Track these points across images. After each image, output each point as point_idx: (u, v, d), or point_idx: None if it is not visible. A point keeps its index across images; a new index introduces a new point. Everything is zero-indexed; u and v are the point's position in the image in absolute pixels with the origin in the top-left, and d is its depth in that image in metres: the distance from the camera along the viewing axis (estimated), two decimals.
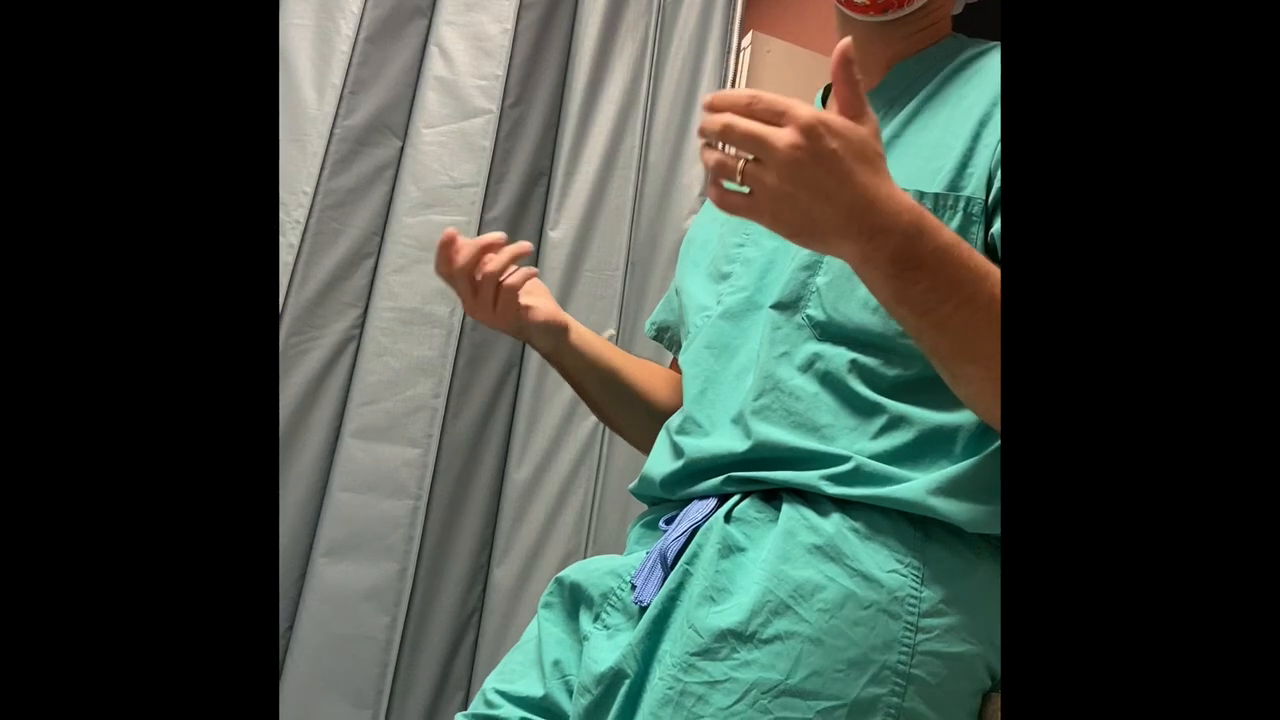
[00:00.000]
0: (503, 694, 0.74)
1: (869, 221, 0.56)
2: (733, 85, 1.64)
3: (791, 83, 1.65)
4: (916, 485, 0.64)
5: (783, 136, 0.54)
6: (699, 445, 0.74)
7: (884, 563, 0.63)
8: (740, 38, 1.67)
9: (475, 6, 1.52)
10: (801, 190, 0.55)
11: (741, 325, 0.77)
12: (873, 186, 0.56)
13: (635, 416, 0.94)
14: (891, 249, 0.57)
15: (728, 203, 0.57)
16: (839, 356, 0.69)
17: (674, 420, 0.80)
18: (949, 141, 0.71)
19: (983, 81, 0.74)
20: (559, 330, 0.87)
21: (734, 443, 0.71)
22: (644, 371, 0.95)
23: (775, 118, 0.55)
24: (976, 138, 0.70)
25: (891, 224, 0.56)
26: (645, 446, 0.94)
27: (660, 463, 0.78)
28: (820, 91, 0.89)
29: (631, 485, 0.83)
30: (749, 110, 0.55)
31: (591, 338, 0.91)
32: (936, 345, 0.61)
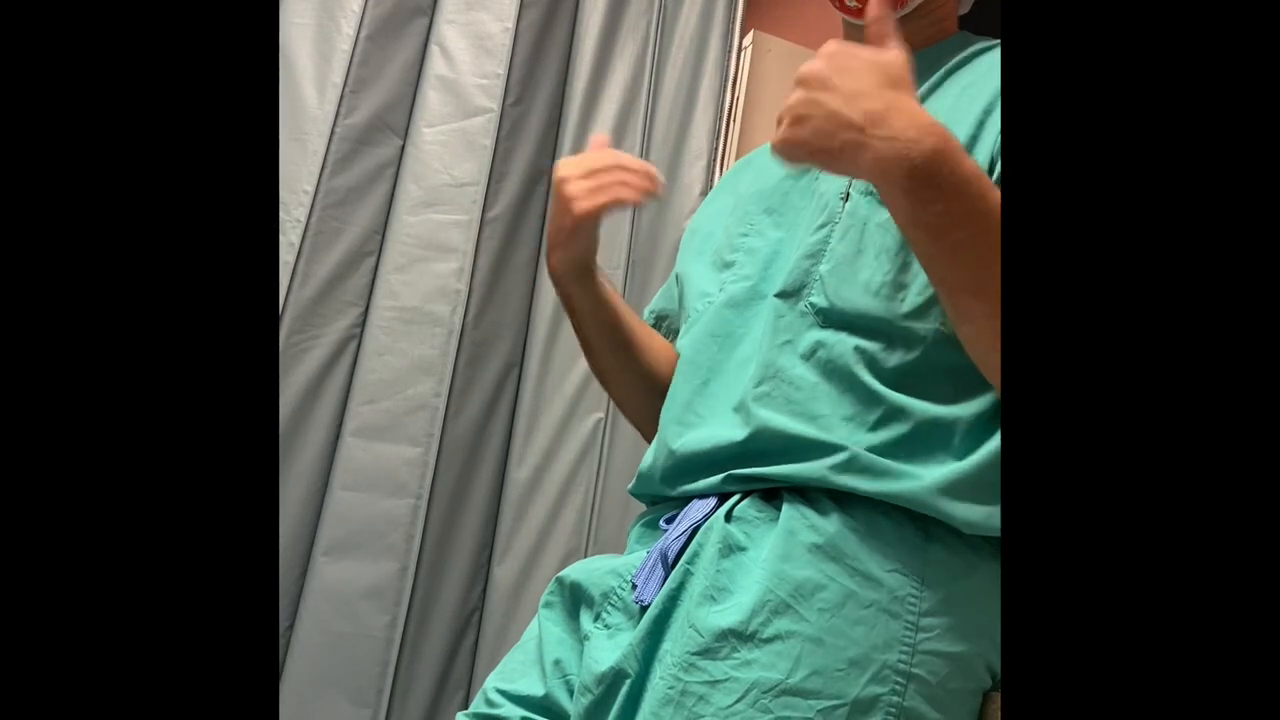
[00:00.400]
0: (503, 693, 0.74)
1: (888, 128, 0.57)
2: (734, 85, 1.64)
3: (792, 82, 1.65)
4: (921, 484, 0.64)
5: (811, 62, 0.61)
6: (699, 436, 0.74)
7: (884, 562, 0.63)
8: (741, 37, 1.67)
9: (476, 5, 1.52)
10: (822, 95, 0.59)
11: (745, 314, 0.77)
12: (896, 99, 0.58)
13: (629, 373, 0.92)
14: (910, 164, 0.58)
15: (773, 141, 0.62)
16: (842, 343, 0.69)
17: (674, 412, 0.80)
18: (953, 129, 0.71)
19: (988, 73, 0.74)
20: (590, 256, 0.87)
21: (733, 430, 0.71)
22: (646, 331, 0.94)
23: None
24: (980, 125, 0.70)
25: (911, 135, 0.58)
26: (631, 406, 0.93)
27: (660, 455, 0.78)
28: None
29: (629, 486, 0.83)
30: None
31: (607, 282, 0.90)
32: (945, 275, 0.62)
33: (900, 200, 0.60)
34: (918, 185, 0.58)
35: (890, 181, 0.59)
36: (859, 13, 0.79)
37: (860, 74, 0.59)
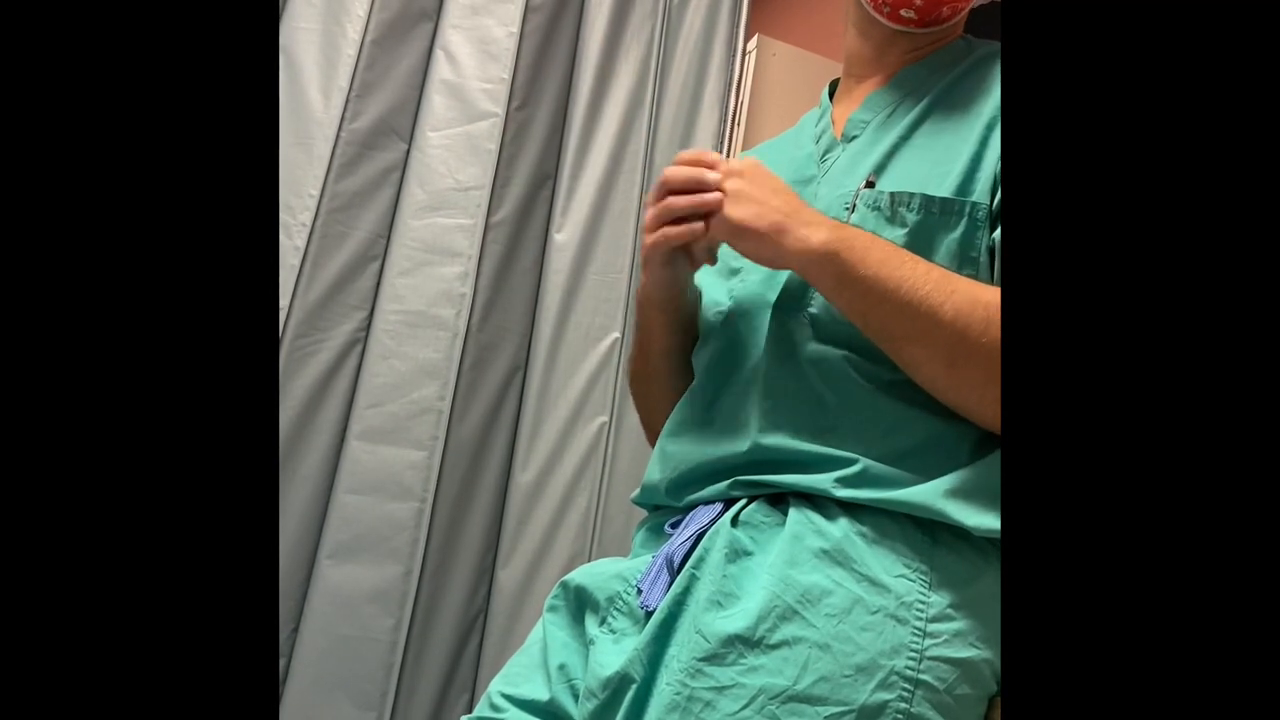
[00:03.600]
0: (508, 697, 0.74)
1: (806, 215, 0.67)
2: (738, 89, 1.65)
3: (796, 86, 1.65)
4: (927, 489, 0.64)
5: (736, 161, 0.70)
6: (704, 449, 0.74)
7: (891, 567, 0.63)
8: (745, 41, 1.67)
9: (481, 10, 1.52)
10: (752, 186, 0.68)
11: (751, 324, 0.77)
12: (801, 202, 0.69)
13: (683, 387, 0.86)
14: (826, 239, 0.66)
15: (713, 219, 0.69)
16: (844, 357, 0.69)
17: (681, 424, 0.80)
18: (957, 146, 0.72)
19: (993, 84, 0.74)
20: (673, 288, 0.82)
21: (738, 445, 0.71)
22: None
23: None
24: (984, 142, 0.70)
25: (821, 220, 0.67)
26: (664, 415, 0.89)
27: (665, 467, 0.78)
28: (826, 87, 0.90)
29: (633, 495, 0.83)
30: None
31: (689, 310, 0.87)
32: (884, 329, 0.66)
33: (825, 271, 0.65)
34: (840, 255, 0.65)
35: (813, 258, 0.65)
36: (908, 21, 0.80)
37: (774, 179, 0.70)
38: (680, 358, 0.88)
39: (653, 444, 0.93)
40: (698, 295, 0.85)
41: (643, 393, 0.93)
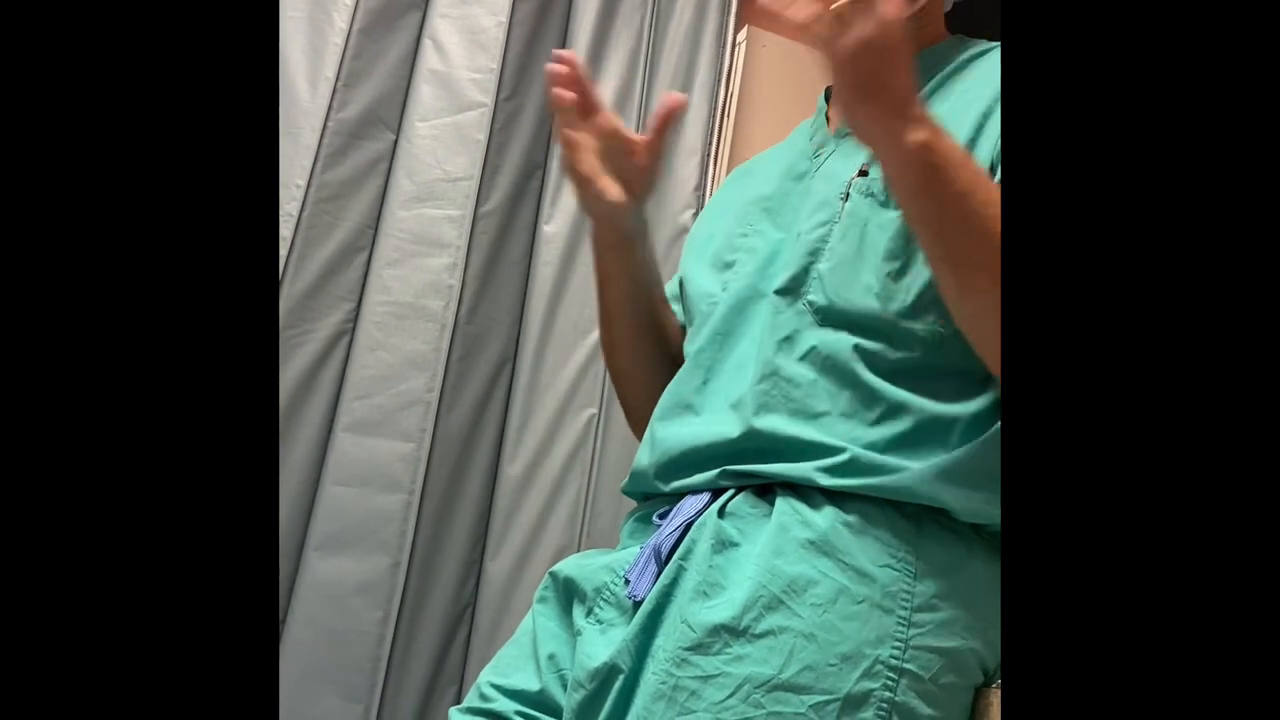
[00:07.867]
0: (498, 687, 0.74)
1: (915, 107, 0.61)
2: (728, 80, 1.64)
3: (787, 78, 1.65)
4: (912, 473, 0.64)
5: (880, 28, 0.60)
6: (695, 432, 0.74)
7: (877, 557, 0.64)
8: (735, 32, 1.67)
9: None
10: (881, 61, 0.60)
11: (745, 314, 0.77)
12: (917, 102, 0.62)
13: (643, 351, 0.91)
14: (924, 136, 0.60)
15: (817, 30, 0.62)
16: (840, 342, 0.69)
17: (671, 408, 0.80)
18: (952, 132, 0.71)
19: (986, 76, 0.74)
20: (643, 225, 0.85)
21: (729, 429, 0.71)
22: (670, 316, 0.93)
23: None
24: (979, 130, 0.70)
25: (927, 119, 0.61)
26: (633, 383, 0.92)
27: (655, 451, 0.78)
28: (822, 93, 0.90)
29: (622, 484, 0.83)
30: None
31: (648, 258, 0.89)
32: (950, 246, 0.61)
33: (910, 172, 0.61)
34: (933, 156, 0.60)
35: (906, 156, 0.61)
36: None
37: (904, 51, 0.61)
38: (638, 316, 0.89)
39: (632, 422, 0.94)
40: (650, 247, 0.88)
41: (615, 368, 0.94)
